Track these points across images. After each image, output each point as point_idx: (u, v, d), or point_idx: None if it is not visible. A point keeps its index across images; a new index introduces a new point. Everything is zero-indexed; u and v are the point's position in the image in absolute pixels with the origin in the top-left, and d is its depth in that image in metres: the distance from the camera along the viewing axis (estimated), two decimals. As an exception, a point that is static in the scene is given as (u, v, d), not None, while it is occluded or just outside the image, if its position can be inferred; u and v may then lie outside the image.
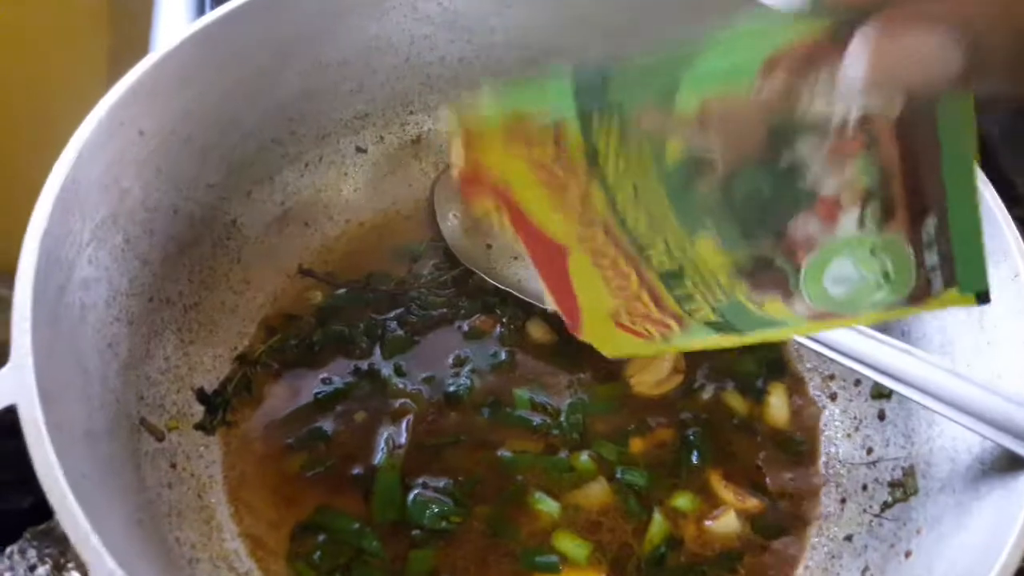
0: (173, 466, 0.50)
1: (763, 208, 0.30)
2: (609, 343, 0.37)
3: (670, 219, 0.31)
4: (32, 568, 0.47)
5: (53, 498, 0.36)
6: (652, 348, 0.37)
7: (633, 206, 0.31)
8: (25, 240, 0.41)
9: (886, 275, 0.31)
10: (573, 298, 0.36)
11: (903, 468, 0.50)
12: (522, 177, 0.31)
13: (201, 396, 0.53)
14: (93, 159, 0.45)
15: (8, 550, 0.48)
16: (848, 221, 0.29)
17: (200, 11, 0.69)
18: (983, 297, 0.32)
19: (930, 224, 0.30)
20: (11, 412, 0.37)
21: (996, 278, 0.45)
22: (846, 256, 0.30)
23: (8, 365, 0.38)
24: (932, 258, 0.30)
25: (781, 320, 0.33)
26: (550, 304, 0.36)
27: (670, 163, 0.30)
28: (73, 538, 0.35)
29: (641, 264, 0.33)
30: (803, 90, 0.27)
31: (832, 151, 0.28)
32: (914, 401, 0.44)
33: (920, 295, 0.31)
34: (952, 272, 0.31)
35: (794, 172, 0.29)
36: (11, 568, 0.46)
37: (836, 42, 0.25)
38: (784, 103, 0.27)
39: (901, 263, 0.30)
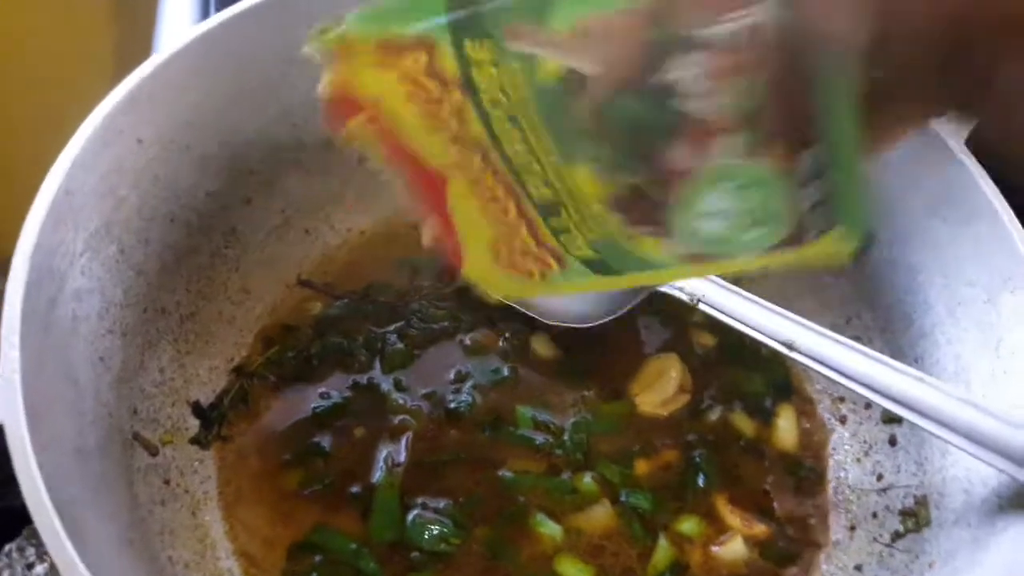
0: (167, 482, 0.49)
1: (639, 133, 0.28)
2: (493, 282, 0.36)
3: (547, 145, 0.29)
4: (30, 566, 0.46)
5: (39, 520, 0.35)
6: (535, 288, 0.35)
7: (509, 130, 0.29)
8: (15, 251, 0.40)
9: (756, 212, 0.29)
10: (454, 233, 0.34)
11: (915, 497, 0.48)
12: (394, 92, 0.30)
13: (196, 409, 0.52)
14: (89, 168, 0.44)
15: (6, 548, 0.47)
16: (721, 147, 0.27)
17: (205, 14, 0.68)
18: (865, 243, 0.28)
19: (807, 158, 0.27)
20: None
21: (1013, 305, 0.45)
22: (717, 187, 0.28)
23: (-3, 380, 0.37)
24: (808, 197, 0.28)
25: (655, 261, 0.32)
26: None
27: (543, 83, 0.28)
28: (58, 561, 0.34)
29: (519, 193, 0.31)
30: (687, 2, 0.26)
31: (712, 68, 0.26)
32: (927, 431, 0.42)
33: (796, 237, 0.29)
34: (831, 214, 0.28)
35: (671, 93, 0.27)
36: (9, 566, 0.46)
37: None
38: (668, 16, 0.26)
39: (774, 198, 0.28)
